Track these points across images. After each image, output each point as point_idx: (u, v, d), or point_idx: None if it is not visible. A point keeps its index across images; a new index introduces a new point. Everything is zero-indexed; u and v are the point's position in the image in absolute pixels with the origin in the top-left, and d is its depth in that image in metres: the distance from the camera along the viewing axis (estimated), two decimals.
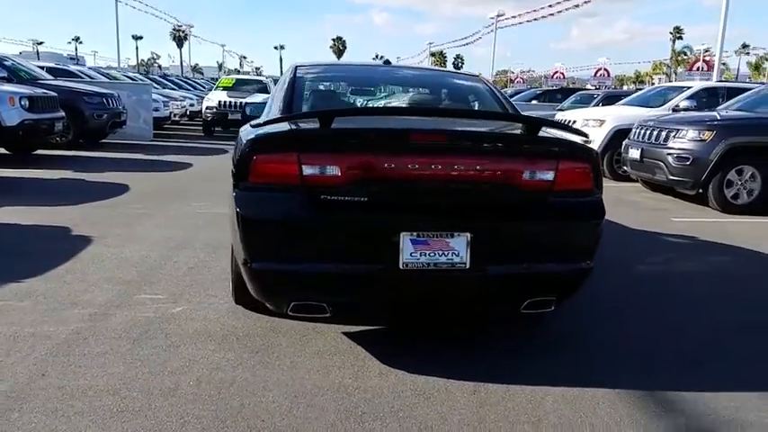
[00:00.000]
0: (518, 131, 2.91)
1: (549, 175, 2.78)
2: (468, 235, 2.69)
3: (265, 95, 16.48)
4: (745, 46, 68.51)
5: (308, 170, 2.64)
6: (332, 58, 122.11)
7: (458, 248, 2.69)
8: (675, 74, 67.08)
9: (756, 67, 61.42)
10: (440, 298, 2.95)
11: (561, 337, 3.32)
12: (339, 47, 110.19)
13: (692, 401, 2.63)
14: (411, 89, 4.10)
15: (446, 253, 2.69)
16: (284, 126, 2.79)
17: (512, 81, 58.55)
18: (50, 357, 2.83)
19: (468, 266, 2.69)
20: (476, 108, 3.91)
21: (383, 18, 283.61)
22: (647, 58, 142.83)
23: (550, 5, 38.06)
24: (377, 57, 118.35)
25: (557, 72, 41.98)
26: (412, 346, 3.13)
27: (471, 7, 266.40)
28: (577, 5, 36.10)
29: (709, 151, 7.14)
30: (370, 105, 3.92)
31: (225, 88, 16.86)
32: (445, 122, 3.07)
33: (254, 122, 3.00)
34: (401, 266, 2.66)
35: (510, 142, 2.85)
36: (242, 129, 3.29)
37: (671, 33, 79.10)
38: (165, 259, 4.46)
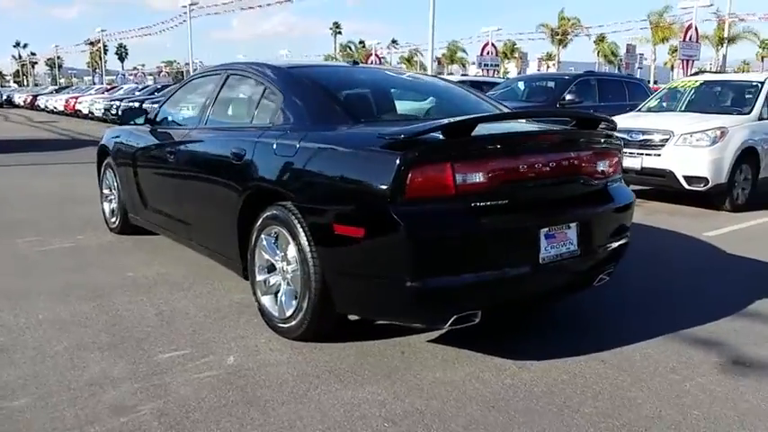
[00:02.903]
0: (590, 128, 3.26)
1: (606, 164, 3.24)
2: (577, 224, 2.99)
3: None
4: (394, 41, 79.57)
5: (460, 179, 2.60)
6: None
7: (572, 238, 2.97)
8: None
9: (408, 60, 71.74)
10: (559, 286, 3.17)
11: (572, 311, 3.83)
12: None
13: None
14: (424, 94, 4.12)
15: (565, 243, 2.95)
16: (432, 136, 2.64)
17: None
18: None
19: (579, 253, 3.00)
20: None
21: None
22: (312, 50, 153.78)
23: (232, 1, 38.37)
24: (18, 44, 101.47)
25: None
26: (497, 338, 3.23)
27: None
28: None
29: None
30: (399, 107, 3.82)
31: None
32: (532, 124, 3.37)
33: (380, 132, 2.72)
34: (541, 261, 2.83)
35: (594, 137, 3.19)
36: (342, 139, 2.95)
37: (330, 29, 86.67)
38: (105, 313, 3.55)
